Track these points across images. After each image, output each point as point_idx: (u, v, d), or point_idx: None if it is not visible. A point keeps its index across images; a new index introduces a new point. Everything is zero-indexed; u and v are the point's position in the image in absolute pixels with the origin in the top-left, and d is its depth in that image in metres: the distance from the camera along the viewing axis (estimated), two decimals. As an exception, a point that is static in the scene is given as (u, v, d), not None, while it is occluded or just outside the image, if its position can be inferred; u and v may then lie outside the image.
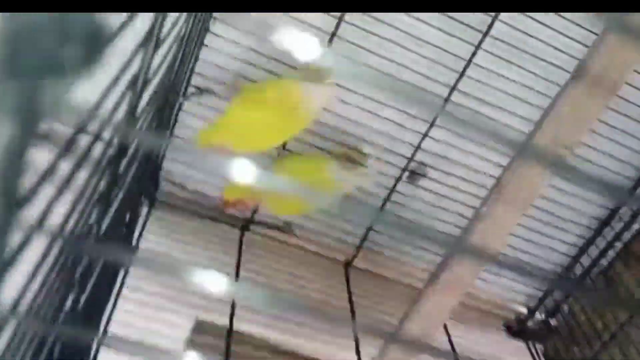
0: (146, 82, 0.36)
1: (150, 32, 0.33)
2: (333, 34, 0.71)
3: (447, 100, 0.76)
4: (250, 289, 0.19)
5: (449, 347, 0.79)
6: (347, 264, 0.86)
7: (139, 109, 0.40)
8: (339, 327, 0.70)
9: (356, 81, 0.66)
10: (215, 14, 0.68)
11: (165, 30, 0.37)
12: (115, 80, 0.28)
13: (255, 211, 0.81)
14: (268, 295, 0.19)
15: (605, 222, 0.89)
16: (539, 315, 0.95)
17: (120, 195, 0.49)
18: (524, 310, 0.95)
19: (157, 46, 0.35)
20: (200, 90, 0.73)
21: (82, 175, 0.34)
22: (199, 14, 0.61)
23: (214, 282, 0.19)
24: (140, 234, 0.70)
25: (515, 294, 0.94)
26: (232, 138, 0.66)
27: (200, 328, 0.65)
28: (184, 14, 0.47)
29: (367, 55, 0.72)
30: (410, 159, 0.80)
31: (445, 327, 0.80)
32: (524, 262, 0.90)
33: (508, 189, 0.57)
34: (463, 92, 0.76)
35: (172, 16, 0.42)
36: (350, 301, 0.79)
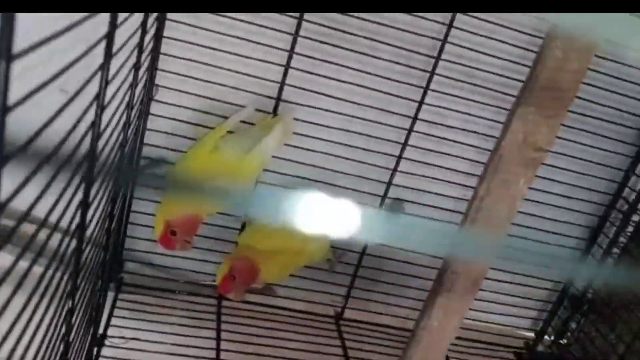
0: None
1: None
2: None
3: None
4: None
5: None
6: (338, 317, 0.81)
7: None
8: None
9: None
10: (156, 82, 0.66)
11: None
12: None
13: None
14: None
15: (610, 206, 0.82)
16: (548, 337, 0.89)
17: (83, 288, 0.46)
18: (532, 335, 0.90)
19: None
20: (154, 161, 0.70)
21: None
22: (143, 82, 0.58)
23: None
24: (108, 322, 0.65)
25: (519, 320, 0.89)
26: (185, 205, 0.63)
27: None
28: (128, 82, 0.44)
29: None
30: (384, 196, 0.77)
31: (450, 366, 0.75)
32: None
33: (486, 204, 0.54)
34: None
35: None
36: (346, 356, 0.74)
